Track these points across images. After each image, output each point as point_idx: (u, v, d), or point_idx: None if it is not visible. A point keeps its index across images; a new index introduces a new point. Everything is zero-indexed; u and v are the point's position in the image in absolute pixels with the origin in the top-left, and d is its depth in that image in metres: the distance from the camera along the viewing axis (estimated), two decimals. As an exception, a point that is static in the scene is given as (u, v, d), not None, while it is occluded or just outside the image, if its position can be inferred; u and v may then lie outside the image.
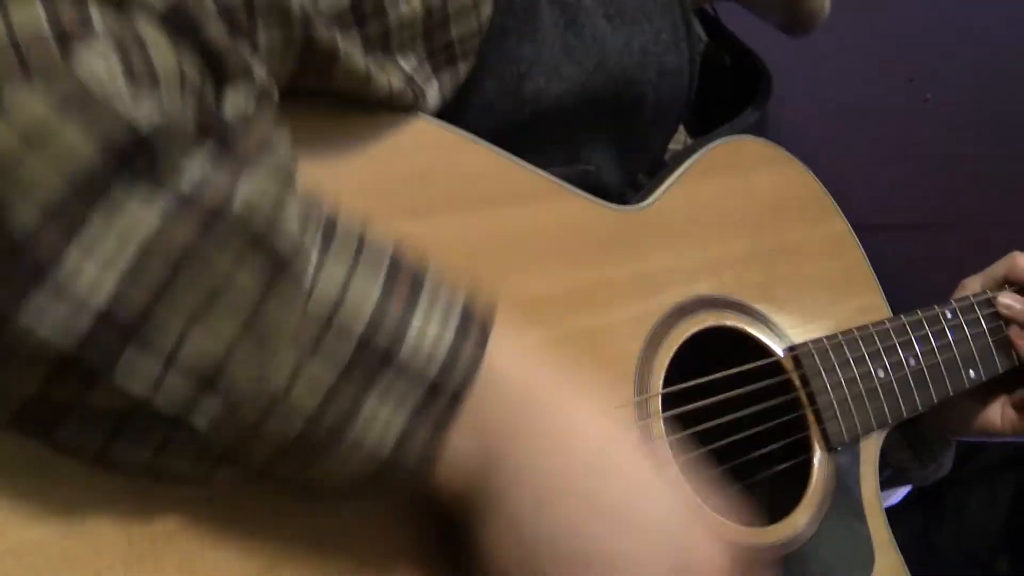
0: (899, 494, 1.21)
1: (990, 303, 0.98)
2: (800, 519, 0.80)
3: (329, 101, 0.62)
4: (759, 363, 0.82)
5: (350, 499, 0.54)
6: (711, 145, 0.86)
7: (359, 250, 0.51)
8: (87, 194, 0.43)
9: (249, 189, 0.46)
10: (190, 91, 0.49)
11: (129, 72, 0.45)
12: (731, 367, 0.80)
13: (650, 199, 0.80)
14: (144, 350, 0.45)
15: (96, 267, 0.43)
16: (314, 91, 0.61)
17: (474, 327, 0.53)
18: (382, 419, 0.50)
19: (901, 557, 0.84)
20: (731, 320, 0.82)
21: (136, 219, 0.44)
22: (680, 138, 0.98)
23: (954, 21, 1.72)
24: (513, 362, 0.55)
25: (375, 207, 0.54)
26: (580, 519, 0.54)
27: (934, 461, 1.03)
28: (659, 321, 0.77)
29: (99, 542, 0.50)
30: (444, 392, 0.51)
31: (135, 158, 0.44)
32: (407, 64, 0.64)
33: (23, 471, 0.49)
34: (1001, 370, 0.97)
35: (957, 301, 0.96)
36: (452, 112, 0.69)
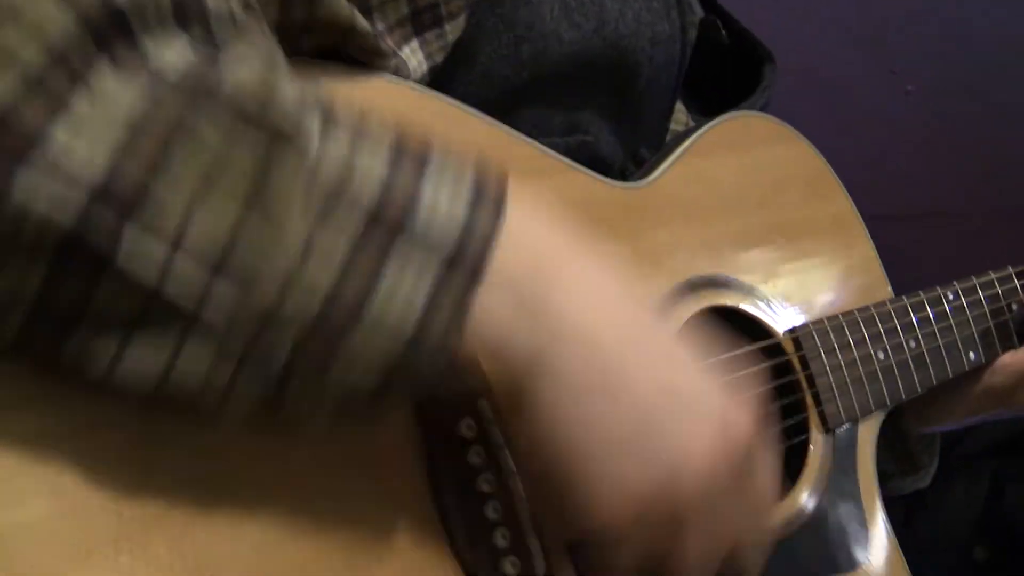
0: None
1: (992, 284, 0.97)
2: (797, 500, 0.80)
3: (320, 71, 0.61)
4: (759, 344, 0.81)
5: (375, 408, 0.51)
6: (715, 121, 0.85)
7: (361, 128, 0.50)
8: (67, 67, 0.43)
9: (237, 70, 0.46)
10: None
11: None
12: (731, 348, 0.79)
13: (653, 175, 0.80)
14: (146, 230, 0.44)
15: (86, 144, 0.43)
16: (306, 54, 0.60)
17: (487, 197, 0.51)
18: (403, 293, 0.48)
19: (896, 539, 0.84)
20: (732, 300, 0.81)
21: (122, 99, 0.43)
22: (682, 119, 0.97)
23: (936, 13, 1.71)
24: (533, 228, 0.54)
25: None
26: (634, 374, 0.54)
27: (915, 472, 1.02)
28: (660, 301, 0.76)
29: (89, 522, 0.49)
30: (463, 265, 0.49)
31: (112, 33, 0.44)
32: (383, 23, 0.63)
33: (11, 451, 0.48)
34: (1001, 351, 0.96)
35: (959, 282, 0.95)
36: (450, 78, 0.69)
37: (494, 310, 0.51)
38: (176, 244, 0.44)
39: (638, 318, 0.57)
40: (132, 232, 0.44)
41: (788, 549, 0.78)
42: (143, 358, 0.46)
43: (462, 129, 0.68)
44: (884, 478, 1.00)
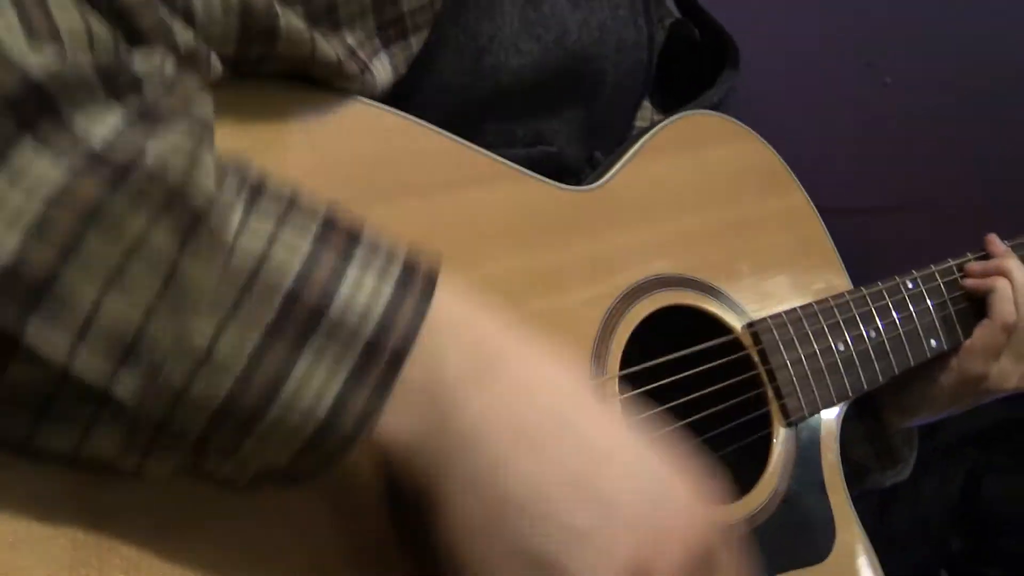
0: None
1: (951, 271, 0.98)
2: (761, 495, 0.80)
3: (276, 88, 0.61)
4: (717, 341, 0.81)
5: (292, 480, 0.51)
6: (666, 122, 0.85)
7: (290, 207, 0.49)
8: None
9: (162, 145, 0.45)
10: (101, 50, 0.47)
11: (28, 28, 0.44)
12: (691, 346, 0.80)
13: (605, 178, 0.80)
14: (56, 311, 0.43)
15: (1, 223, 0.42)
16: (264, 75, 0.60)
17: (417, 280, 0.50)
18: (317, 381, 0.47)
19: (863, 530, 0.84)
20: (689, 298, 0.82)
21: (41, 174, 0.43)
22: (647, 115, 0.97)
23: (914, 5, 1.72)
24: (462, 316, 0.52)
25: (321, 193, 0.53)
26: (551, 471, 0.51)
27: (894, 466, 1.03)
28: (615, 302, 0.76)
29: (43, 551, 0.49)
30: (383, 351, 0.48)
31: (36, 111, 0.43)
32: (353, 38, 0.63)
33: (-38, 482, 0.48)
34: (964, 339, 0.97)
35: (918, 271, 0.96)
36: (410, 89, 0.68)
37: (408, 409, 0.50)
38: (86, 324, 0.44)
39: (572, 413, 0.53)
40: (42, 312, 0.43)
41: (753, 545, 0.78)
42: (56, 434, 0.47)
43: (413, 140, 0.68)
44: (864, 473, 1.01)
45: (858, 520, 0.84)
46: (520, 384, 0.52)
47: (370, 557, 0.58)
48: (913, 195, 1.81)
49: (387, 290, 0.49)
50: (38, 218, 0.43)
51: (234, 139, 0.59)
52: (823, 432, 0.86)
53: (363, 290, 0.49)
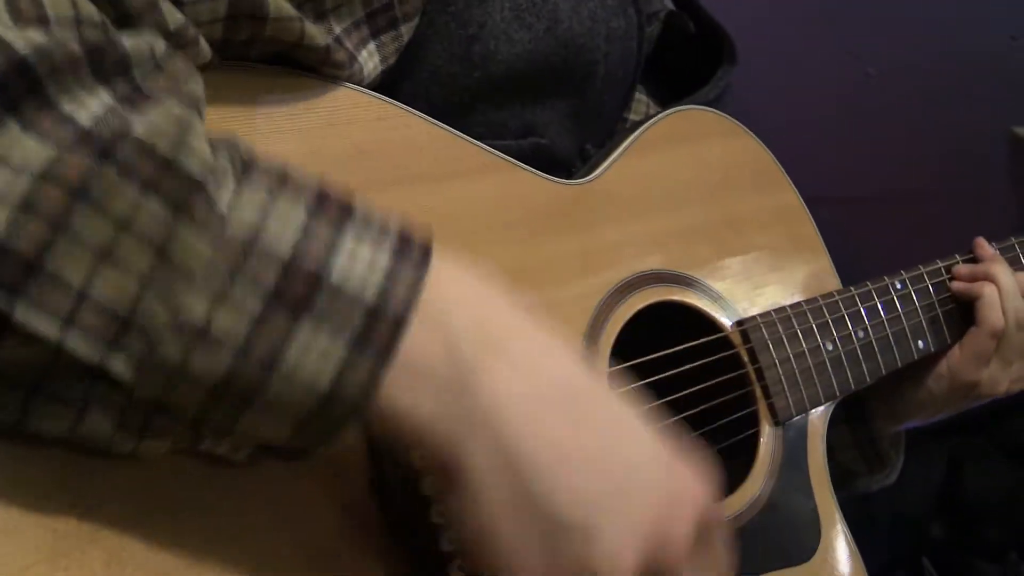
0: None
1: (939, 272, 0.98)
2: (747, 495, 0.80)
3: (266, 74, 0.61)
4: (707, 339, 0.81)
5: (293, 456, 0.50)
6: (659, 116, 0.85)
7: (282, 179, 0.48)
8: None
9: (151, 117, 0.45)
10: (89, 30, 0.46)
11: (14, 9, 0.43)
12: (680, 342, 0.79)
13: (597, 172, 0.79)
14: (47, 288, 0.43)
15: None
16: (252, 60, 0.59)
17: (413, 249, 0.50)
18: (317, 350, 0.47)
19: (847, 530, 0.84)
20: (679, 295, 0.81)
21: (28, 153, 0.42)
22: (642, 108, 0.97)
23: None
24: (463, 285, 0.52)
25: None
26: (574, 436, 0.51)
27: (883, 471, 1.03)
28: (605, 297, 0.76)
29: (23, 540, 0.48)
30: (383, 317, 0.48)
31: (22, 91, 0.42)
32: (340, 26, 0.62)
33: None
34: (951, 341, 0.97)
35: (907, 271, 0.96)
36: (400, 78, 0.68)
37: (420, 388, 0.49)
38: (80, 298, 0.43)
39: (580, 387, 0.53)
40: (34, 286, 0.43)
41: (740, 545, 0.77)
42: (49, 415, 0.46)
43: (405, 130, 0.67)
44: (851, 477, 1.01)
45: (843, 519, 0.84)
46: (532, 355, 0.52)
47: (356, 542, 0.57)
48: (895, 186, 1.82)
49: (383, 258, 0.49)
50: (26, 195, 0.42)
51: (222, 124, 0.58)
52: (810, 431, 0.86)
53: (359, 259, 0.48)
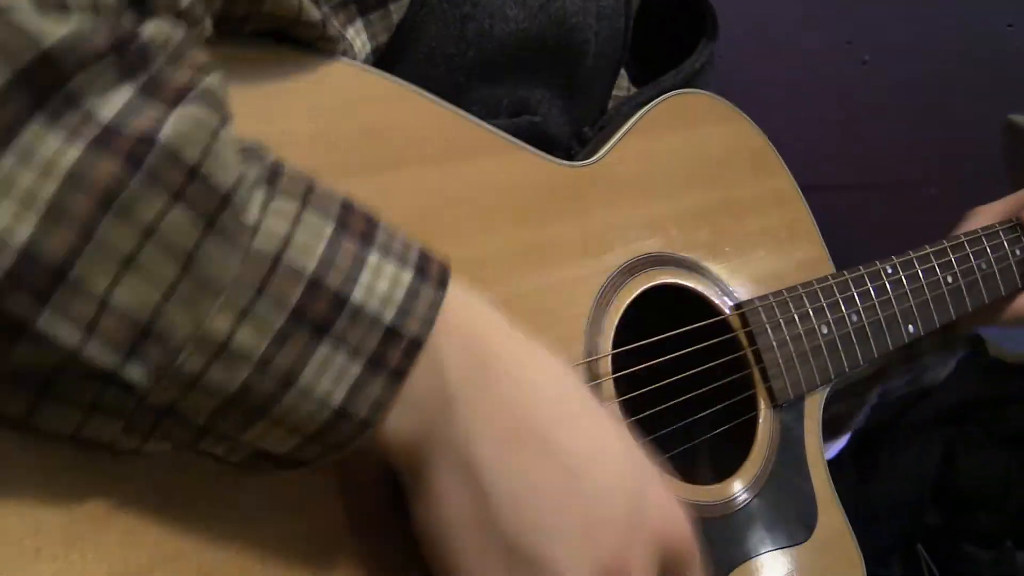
0: (835, 448, 1.24)
1: (928, 258, 0.99)
2: (745, 476, 0.81)
3: (267, 50, 0.60)
4: (707, 321, 0.81)
5: (287, 467, 0.51)
6: (658, 100, 0.85)
7: (309, 191, 0.48)
8: None
9: (179, 118, 0.43)
10: (107, 16, 0.45)
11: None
12: (680, 325, 0.79)
13: (598, 155, 0.79)
14: (73, 295, 0.42)
15: (14, 204, 0.40)
16: (248, 34, 0.58)
17: (433, 268, 0.50)
18: (335, 368, 0.47)
19: (844, 513, 0.85)
20: (679, 278, 0.82)
21: (55, 152, 0.41)
22: (623, 83, 0.97)
23: None
24: (470, 308, 0.53)
25: (320, 163, 0.52)
26: (541, 469, 0.52)
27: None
28: (608, 280, 0.76)
29: (38, 520, 0.47)
30: (401, 339, 0.48)
31: (44, 81, 0.41)
32: (327, 3, 0.62)
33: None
34: (938, 324, 0.98)
35: (897, 256, 0.97)
36: (395, 60, 0.67)
37: (415, 397, 0.50)
38: (103, 307, 0.42)
39: (566, 409, 0.55)
40: (58, 295, 0.41)
41: (736, 524, 0.78)
42: (56, 416, 0.45)
43: (410, 111, 0.67)
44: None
45: (839, 501, 0.85)
46: (514, 385, 0.53)
47: (371, 530, 0.57)
48: (888, 173, 1.83)
49: (406, 277, 0.49)
50: (53, 201, 0.40)
51: (233, 101, 0.57)
52: (807, 415, 0.87)
53: (383, 276, 0.48)
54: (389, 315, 0.48)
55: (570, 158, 0.79)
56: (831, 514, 0.84)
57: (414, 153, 0.67)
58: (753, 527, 0.79)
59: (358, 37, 0.65)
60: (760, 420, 0.83)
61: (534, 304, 0.71)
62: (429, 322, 0.49)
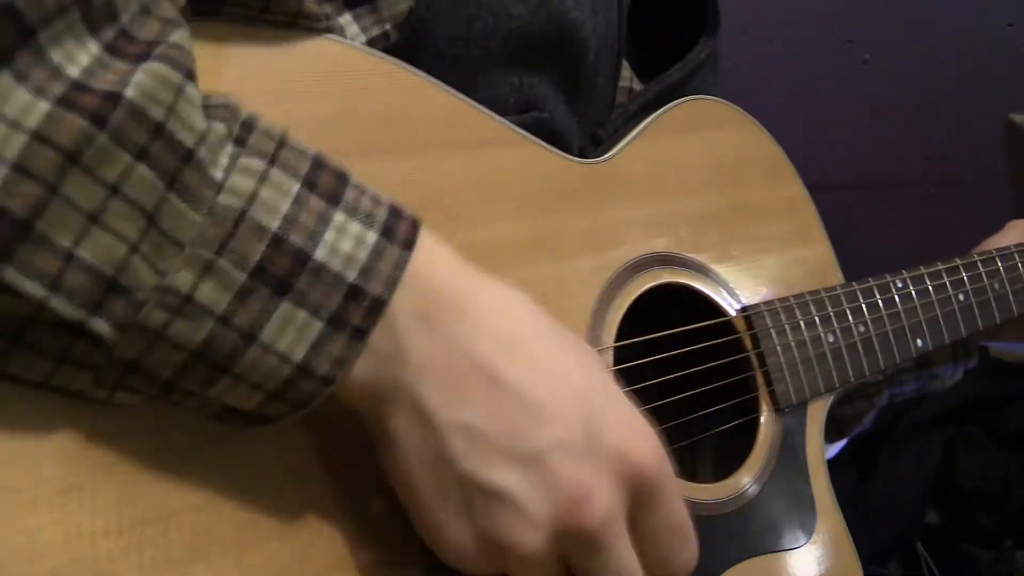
0: (835, 448, 1.24)
1: (940, 275, 0.99)
2: (744, 477, 0.81)
3: (287, 34, 0.60)
4: (711, 322, 0.82)
5: (258, 422, 0.51)
6: (672, 104, 0.86)
7: (279, 147, 0.49)
8: None
9: (144, 77, 0.44)
10: None
11: None
12: (684, 325, 0.80)
13: (610, 153, 0.80)
14: (38, 247, 0.43)
15: None
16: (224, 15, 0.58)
17: (400, 228, 0.51)
18: (296, 324, 0.48)
19: (842, 519, 0.85)
20: (686, 278, 0.82)
21: (22, 106, 0.42)
22: (626, 74, 0.97)
23: None
24: (434, 265, 0.53)
25: (338, 144, 0.54)
26: (488, 400, 0.53)
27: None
28: (614, 275, 0.76)
29: (36, 471, 0.48)
30: (364, 296, 0.49)
31: (9, 35, 0.42)
32: None
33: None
34: (948, 340, 0.98)
35: (908, 272, 0.97)
36: (403, 60, 0.68)
37: (376, 351, 0.51)
38: (69, 259, 0.43)
39: (519, 338, 0.55)
40: (25, 247, 0.43)
41: (735, 526, 0.78)
42: (26, 365, 0.46)
43: (429, 98, 0.68)
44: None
45: (838, 507, 0.85)
46: (459, 322, 0.53)
47: (367, 492, 0.57)
48: (889, 173, 1.83)
49: (371, 237, 0.50)
50: (20, 156, 0.42)
51: (252, 84, 0.58)
52: (809, 420, 0.87)
53: (348, 235, 0.49)
54: (352, 274, 0.49)
55: (582, 154, 0.80)
56: (830, 519, 0.84)
57: (431, 141, 0.67)
58: (750, 528, 0.79)
59: (349, 27, 0.65)
60: (762, 423, 0.83)
61: (539, 293, 0.70)
62: (393, 282, 0.50)
